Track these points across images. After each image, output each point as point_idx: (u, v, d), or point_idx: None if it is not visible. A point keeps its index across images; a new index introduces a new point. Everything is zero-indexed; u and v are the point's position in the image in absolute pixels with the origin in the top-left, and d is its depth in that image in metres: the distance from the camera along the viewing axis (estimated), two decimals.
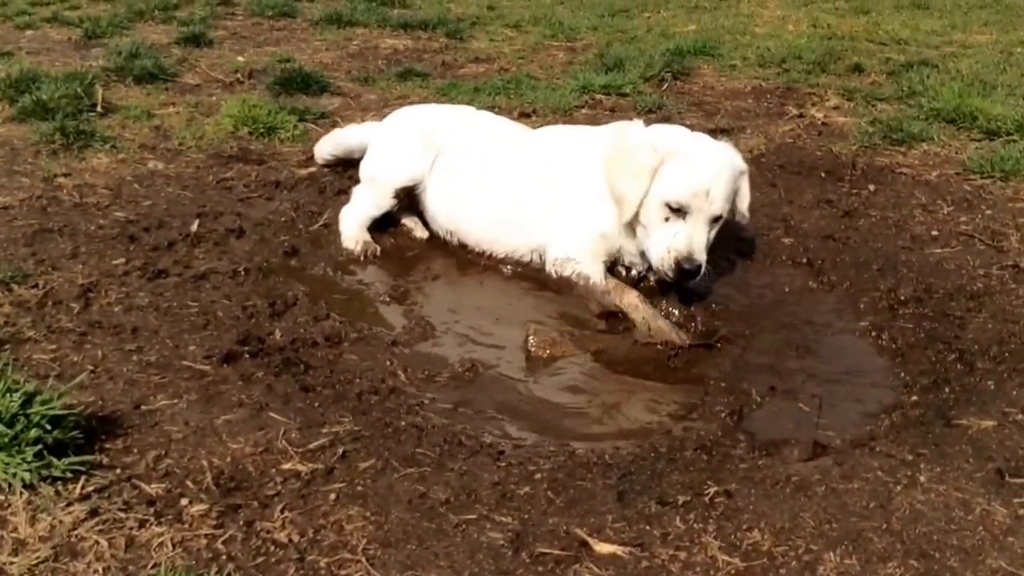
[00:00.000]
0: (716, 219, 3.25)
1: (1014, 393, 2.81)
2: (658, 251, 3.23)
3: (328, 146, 4.43)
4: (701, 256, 3.19)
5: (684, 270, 3.17)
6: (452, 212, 3.80)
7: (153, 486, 2.27)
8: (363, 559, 2.08)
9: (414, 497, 2.30)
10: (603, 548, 2.16)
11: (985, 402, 2.77)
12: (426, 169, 3.83)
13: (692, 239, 3.18)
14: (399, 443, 2.53)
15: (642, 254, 3.38)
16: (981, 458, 2.50)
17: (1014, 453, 2.52)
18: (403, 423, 2.64)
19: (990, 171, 4.43)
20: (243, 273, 3.44)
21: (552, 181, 3.55)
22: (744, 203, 3.42)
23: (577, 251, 3.44)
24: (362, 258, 3.72)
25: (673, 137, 3.35)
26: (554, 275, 3.47)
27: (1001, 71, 6.20)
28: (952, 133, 5.04)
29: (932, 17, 8.37)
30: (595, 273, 3.39)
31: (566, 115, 5.28)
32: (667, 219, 3.21)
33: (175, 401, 2.62)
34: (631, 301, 3.28)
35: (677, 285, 3.31)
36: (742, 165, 3.39)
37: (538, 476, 2.42)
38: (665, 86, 5.99)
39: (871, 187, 4.40)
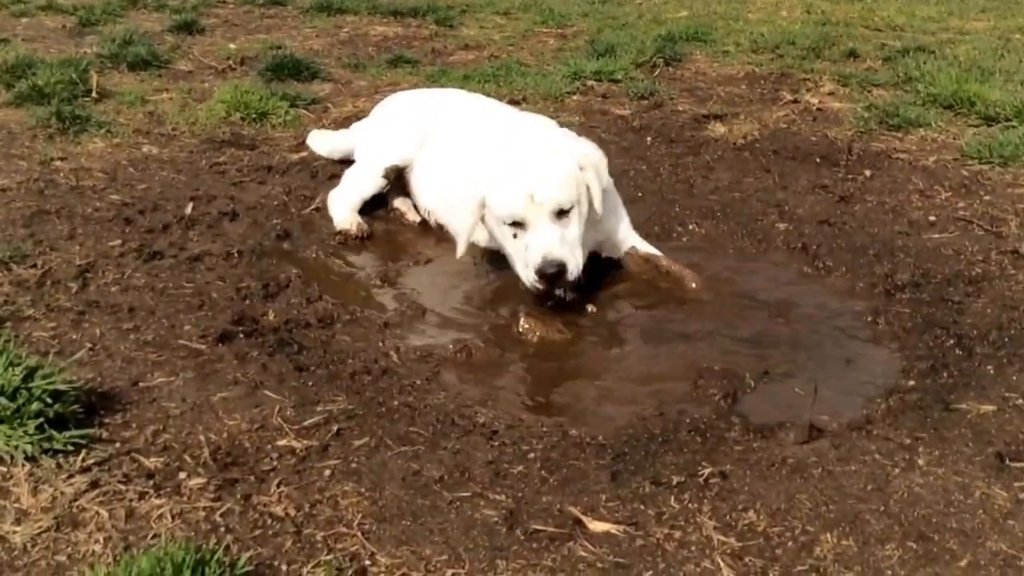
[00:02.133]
0: (560, 212, 3.09)
1: (1014, 378, 2.80)
2: (522, 272, 3.12)
3: (323, 149, 4.46)
4: (558, 253, 3.03)
5: (549, 275, 3.00)
6: (431, 194, 3.82)
7: (152, 460, 2.28)
8: (359, 533, 2.08)
9: (408, 474, 2.30)
10: (597, 526, 2.16)
11: (985, 387, 2.76)
12: (415, 150, 3.85)
13: (543, 245, 3.04)
14: (392, 422, 2.52)
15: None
16: (981, 442, 2.49)
17: (1014, 437, 2.51)
18: (396, 403, 2.64)
19: (988, 157, 4.42)
20: (237, 255, 3.44)
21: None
22: (595, 200, 3.22)
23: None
24: (357, 239, 3.71)
25: (502, 155, 3.23)
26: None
27: (999, 57, 6.16)
28: (949, 119, 5.02)
29: (928, 3, 8.33)
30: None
31: (557, 101, 5.27)
32: (515, 236, 3.12)
33: (172, 378, 2.63)
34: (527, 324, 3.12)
35: (553, 295, 3.11)
36: (582, 160, 3.22)
37: (531, 455, 2.42)
38: (657, 72, 5.97)
39: (867, 172, 4.39)
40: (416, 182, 3.89)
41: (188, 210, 3.78)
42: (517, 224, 3.10)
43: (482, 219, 3.31)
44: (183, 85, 5.43)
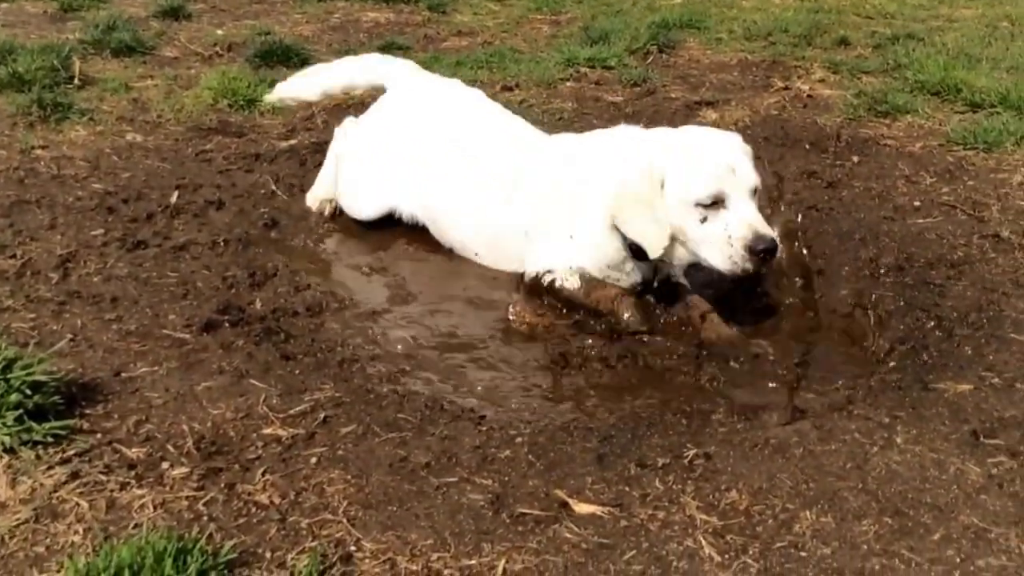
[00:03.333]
0: (755, 191, 2.91)
1: (991, 358, 2.85)
2: (720, 252, 2.83)
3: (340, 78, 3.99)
4: (767, 229, 2.81)
5: (760, 251, 2.77)
6: (442, 224, 3.49)
7: (134, 450, 2.28)
8: (344, 519, 2.09)
9: (395, 461, 2.31)
10: (583, 508, 2.18)
11: (963, 367, 2.81)
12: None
13: (747, 219, 2.81)
14: (380, 409, 2.53)
15: (690, 267, 3.07)
16: (957, 420, 2.53)
17: (989, 415, 2.56)
18: (384, 390, 2.64)
19: (973, 142, 4.45)
20: (223, 244, 3.42)
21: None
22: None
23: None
24: (321, 215, 3.75)
25: (666, 139, 3.04)
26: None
27: (986, 44, 6.20)
28: (936, 105, 5.04)
29: None
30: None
31: (550, 88, 5.25)
32: (704, 219, 2.85)
33: (155, 368, 2.61)
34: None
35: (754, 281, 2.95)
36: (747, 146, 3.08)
37: (519, 440, 2.43)
38: (650, 59, 5.96)
39: (855, 159, 4.41)
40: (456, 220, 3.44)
41: (173, 199, 3.75)
42: (713, 204, 2.84)
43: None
44: (168, 72, 5.39)
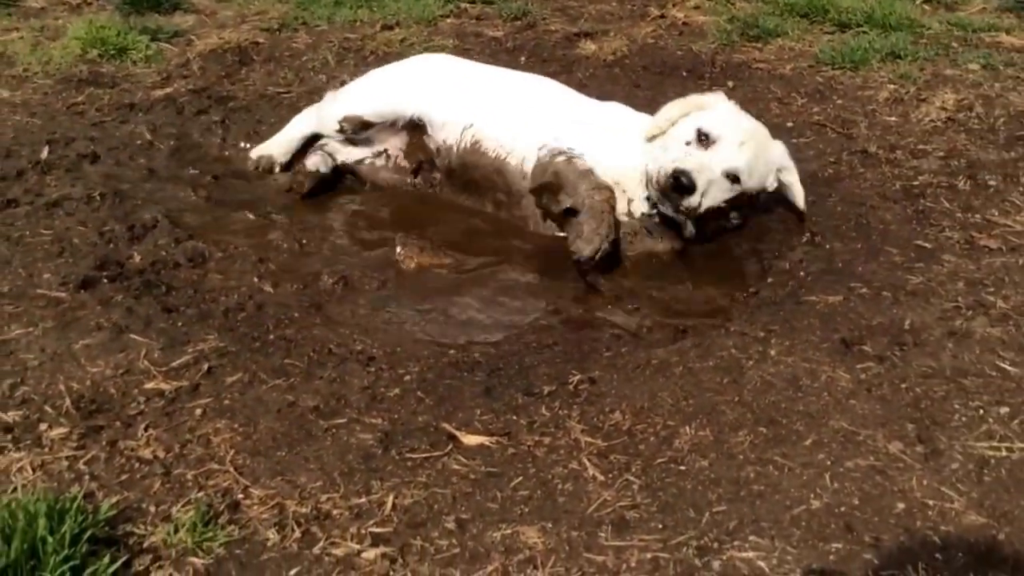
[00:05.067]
0: (734, 179, 3.07)
1: (860, 269, 2.99)
2: (662, 163, 3.05)
3: None
4: (700, 180, 2.98)
5: (679, 181, 2.96)
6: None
7: (10, 414, 2.22)
8: (231, 468, 2.09)
9: (283, 407, 2.31)
10: (471, 440, 2.23)
11: (834, 280, 2.94)
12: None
13: (703, 164, 3.01)
14: (267, 356, 2.52)
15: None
16: (828, 330, 2.66)
17: (857, 323, 2.69)
18: (271, 337, 2.63)
19: (841, 62, 4.60)
20: (99, 198, 3.30)
21: None
22: (797, 198, 3.28)
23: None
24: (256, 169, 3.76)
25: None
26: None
27: None
28: (805, 27, 5.17)
29: None
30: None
31: (431, 25, 5.18)
32: (688, 143, 3.08)
33: (30, 329, 2.53)
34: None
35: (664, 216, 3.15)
36: (786, 161, 3.27)
37: (408, 378, 2.47)
38: None
39: (730, 83, 4.50)
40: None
41: (44, 154, 3.59)
42: (701, 140, 3.07)
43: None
44: (35, 23, 5.11)
